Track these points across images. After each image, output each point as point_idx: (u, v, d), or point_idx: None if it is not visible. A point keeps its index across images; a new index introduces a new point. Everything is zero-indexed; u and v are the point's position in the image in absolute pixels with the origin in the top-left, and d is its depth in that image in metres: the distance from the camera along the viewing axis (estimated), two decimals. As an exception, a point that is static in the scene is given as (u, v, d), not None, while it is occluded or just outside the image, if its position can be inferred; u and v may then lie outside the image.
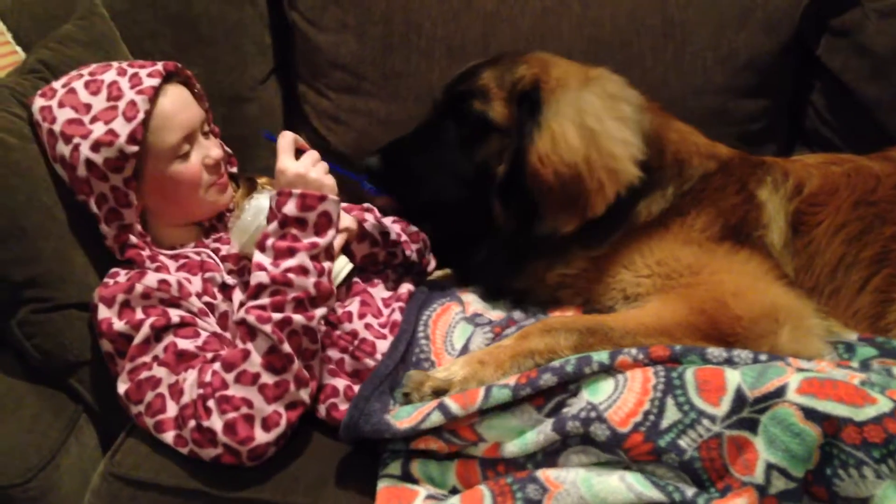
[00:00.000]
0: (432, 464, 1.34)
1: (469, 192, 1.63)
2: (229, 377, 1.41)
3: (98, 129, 1.56)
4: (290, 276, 1.42)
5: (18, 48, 2.06)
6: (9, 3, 2.12)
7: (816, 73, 2.09)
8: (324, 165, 1.53)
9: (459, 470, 1.33)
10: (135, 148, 1.56)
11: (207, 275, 1.63)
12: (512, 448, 1.29)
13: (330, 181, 1.50)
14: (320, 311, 1.45)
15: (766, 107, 2.07)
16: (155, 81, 1.60)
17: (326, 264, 1.47)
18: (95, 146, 1.55)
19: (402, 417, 1.32)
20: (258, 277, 1.44)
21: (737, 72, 2.03)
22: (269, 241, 1.45)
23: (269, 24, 2.21)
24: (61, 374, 1.64)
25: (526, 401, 1.29)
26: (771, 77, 2.06)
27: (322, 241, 1.45)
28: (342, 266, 1.61)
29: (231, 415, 1.39)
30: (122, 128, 1.56)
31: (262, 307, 1.42)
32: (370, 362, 1.54)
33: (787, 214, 1.57)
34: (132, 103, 1.57)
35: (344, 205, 1.70)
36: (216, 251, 1.70)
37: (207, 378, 1.43)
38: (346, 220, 1.67)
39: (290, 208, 1.44)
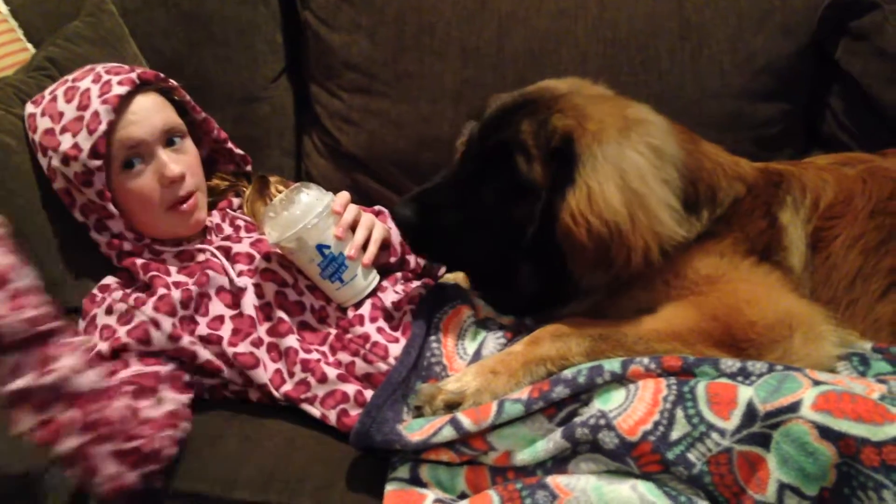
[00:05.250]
0: (441, 468, 1.33)
1: (501, 250, 1.53)
2: None
3: (66, 142, 1.55)
4: None
5: (29, 45, 2.07)
6: (20, 0, 2.12)
7: (834, 76, 2.07)
8: None
9: (469, 475, 1.32)
10: (98, 162, 1.54)
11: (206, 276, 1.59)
12: (523, 456, 1.27)
13: None
14: None
15: (783, 111, 2.05)
16: (122, 90, 1.56)
17: None
18: (65, 160, 1.54)
19: (414, 430, 1.31)
20: None
21: (754, 75, 2.02)
22: None
23: (281, 24, 2.20)
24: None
25: (538, 411, 1.28)
26: (788, 80, 2.04)
27: None
28: (373, 278, 1.62)
29: None
30: (85, 141, 1.54)
31: None
32: (383, 366, 1.52)
33: (807, 236, 1.54)
34: (95, 115, 1.54)
35: (354, 206, 1.66)
36: (226, 251, 1.67)
37: None
38: (379, 229, 1.65)
39: None
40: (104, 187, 1.58)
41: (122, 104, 1.57)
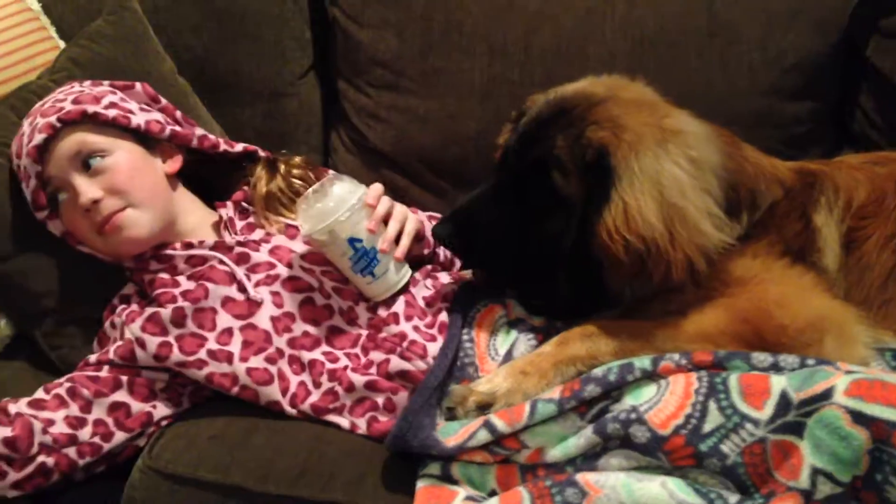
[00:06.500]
0: (472, 466, 1.34)
1: (539, 261, 1.52)
2: None
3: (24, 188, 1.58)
4: None
5: (62, 42, 2.07)
6: (52, -3, 2.14)
7: (865, 74, 2.04)
8: None
9: (499, 473, 1.33)
10: (43, 213, 1.57)
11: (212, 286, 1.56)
12: (555, 453, 1.28)
13: None
14: None
15: (813, 109, 2.04)
16: (40, 139, 1.51)
17: None
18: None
19: (449, 434, 1.32)
20: None
21: (784, 73, 2.00)
22: None
23: (310, 20, 2.21)
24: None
25: (570, 409, 1.28)
26: (819, 78, 2.02)
27: None
28: (405, 272, 1.60)
29: None
30: (28, 195, 1.56)
31: None
32: (422, 364, 1.51)
33: (841, 237, 1.53)
34: (25, 170, 1.55)
35: (387, 198, 1.64)
36: (243, 259, 1.61)
37: None
38: (412, 221, 1.62)
39: None
40: (62, 234, 1.60)
41: (42, 153, 1.53)
